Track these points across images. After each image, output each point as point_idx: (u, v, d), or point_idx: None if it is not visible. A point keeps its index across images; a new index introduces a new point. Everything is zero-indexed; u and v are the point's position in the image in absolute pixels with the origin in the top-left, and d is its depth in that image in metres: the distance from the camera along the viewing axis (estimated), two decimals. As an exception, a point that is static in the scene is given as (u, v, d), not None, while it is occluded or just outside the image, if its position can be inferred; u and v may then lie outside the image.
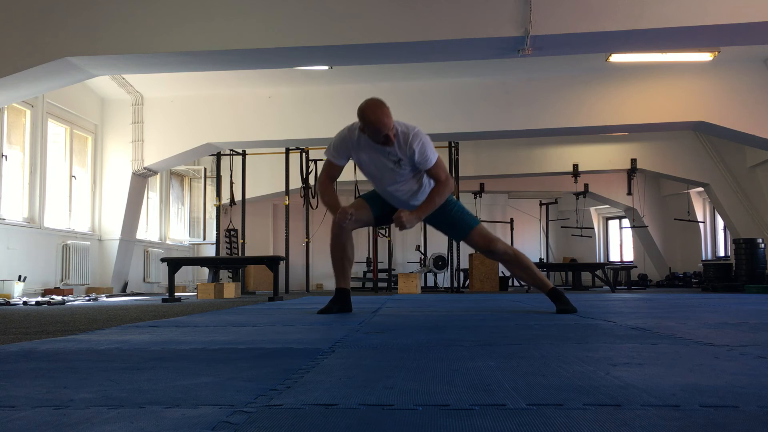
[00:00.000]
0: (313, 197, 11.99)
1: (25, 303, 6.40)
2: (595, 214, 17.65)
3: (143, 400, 1.21)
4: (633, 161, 13.00)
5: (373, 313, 4.00)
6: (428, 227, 14.64)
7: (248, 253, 13.34)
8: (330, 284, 15.85)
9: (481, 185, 15.01)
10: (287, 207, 11.84)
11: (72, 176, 9.55)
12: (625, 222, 16.77)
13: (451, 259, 11.88)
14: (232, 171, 12.36)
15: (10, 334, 2.76)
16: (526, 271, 4.00)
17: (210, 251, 13.32)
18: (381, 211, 4.00)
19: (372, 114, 3.53)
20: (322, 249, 15.64)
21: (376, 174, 3.79)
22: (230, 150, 11.92)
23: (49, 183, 8.85)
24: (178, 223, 13.34)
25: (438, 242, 14.57)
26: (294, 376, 1.47)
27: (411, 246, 15.65)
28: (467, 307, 4.68)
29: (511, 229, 15.14)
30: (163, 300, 6.85)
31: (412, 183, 3.80)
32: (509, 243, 15.26)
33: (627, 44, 6.55)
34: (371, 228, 12.39)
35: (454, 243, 11.80)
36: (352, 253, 4.08)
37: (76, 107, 9.54)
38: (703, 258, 13.95)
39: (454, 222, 3.98)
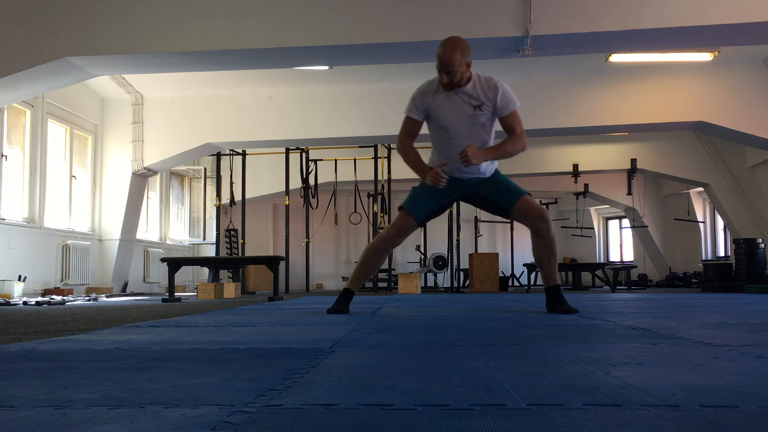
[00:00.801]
0: (313, 197, 12.01)
1: (25, 303, 6.40)
2: (595, 214, 17.65)
3: (143, 400, 1.21)
4: (633, 161, 13.00)
5: (373, 313, 4.00)
6: (428, 227, 14.65)
7: (248, 253, 13.34)
8: (330, 284, 15.86)
9: (481, 185, 14.98)
10: (287, 207, 11.84)
11: (72, 176, 9.55)
12: (625, 222, 16.77)
13: (451, 259, 11.88)
14: (232, 171, 12.36)
15: (10, 334, 2.76)
16: (550, 256, 3.90)
17: (210, 251, 13.32)
18: (424, 215, 3.98)
19: (441, 45, 3.58)
20: (322, 249, 15.75)
21: (451, 124, 3.72)
22: (230, 150, 11.92)
23: (49, 183, 8.85)
24: (178, 223, 13.34)
25: (438, 242, 14.58)
26: (294, 376, 1.47)
27: (411, 246, 15.65)
28: (467, 307, 4.68)
29: (511, 229, 15.12)
30: (163, 300, 6.85)
31: (485, 139, 3.76)
32: (510, 243, 15.29)
33: (627, 44, 6.55)
34: (371, 228, 12.40)
35: (454, 243, 11.80)
36: (381, 264, 4.19)
37: (76, 107, 9.54)
38: (703, 258, 13.95)
39: (505, 188, 3.88)
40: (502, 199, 3.88)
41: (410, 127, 3.84)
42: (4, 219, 7.80)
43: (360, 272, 4.07)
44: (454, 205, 11.87)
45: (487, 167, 3.83)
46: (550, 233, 3.89)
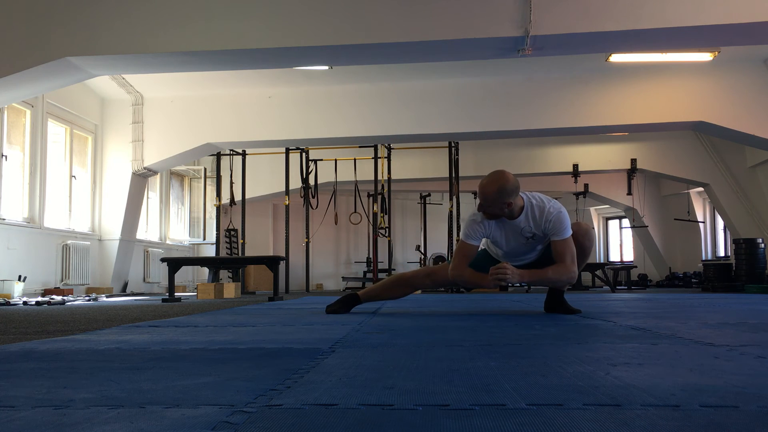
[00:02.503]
0: (313, 197, 12.01)
1: (25, 303, 6.40)
2: (595, 214, 17.65)
3: (143, 400, 1.21)
4: (633, 161, 13.00)
5: (373, 313, 4.00)
6: (428, 227, 14.68)
7: (248, 253, 13.34)
8: (330, 284, 15.86)
9: (482, 185, 14.99)
10: (287, 207, 11.84)
11: (72, 176, 9.55)
12: (625, 222, 16.77)
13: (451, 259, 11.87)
14: (232, 171, 12.36)
15: (10, 334, 2.76)
16: (559, 274, 3.61)
17: (210, 251, 13.32)
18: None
19: (486, 177, 3.60)
20: (322, 249, 15.76)
21: (508, 248, 3.73)
22: (230, 150, 11.93)
23: (49, 183, 8.85)
24: (178, 223, 13.34)
25: (438, 242, 14.58)
26: (294, 376, 1.47)
27: (411, 246, 15.66)
28: (467, 307, 4.68)
29: (511, 229, 15.14)
30: (163, 300, 6.85)
31: (539, 251, 3.77)
32: (509, 243, 15.31)
33: (627, 44, 6.55)
34: (371, 228, 12.40)
35: (454, 243, 11.80)
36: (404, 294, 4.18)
37: (76, 107, 9.55)
38: (703, 258, 13.95)
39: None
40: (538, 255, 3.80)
41: (467, 252, 3.75)
42: (4, 219, 7.80)
43: (381, 291, 4.10)
44: (454, 205, 11.89)
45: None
46: (571, 275, 3.63)
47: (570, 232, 3.59)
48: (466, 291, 9.38)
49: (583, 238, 3.78)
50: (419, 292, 9.50)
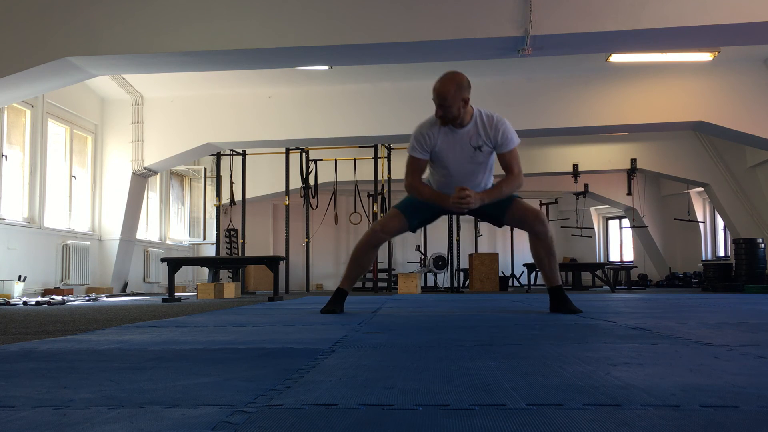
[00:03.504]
0: (313, 197, 12.01)
1: (25, 303, 6.40)
2: (595, 214, 17.65)
3: (143, 400, 1.21)
4: (633, 161, 13.00)
5: (373, 313, 4.00)
6: (428, 227, 14.66)
7: (248, 253, 13.34)
8: (330, 284, 15.84)
9: (481, 185, 14.99)
10: (287, 207, 11.84)
11: (72, 176, 9.55)
12: (625, 222, 16.78)
13: (451, 259, 11.88)
14: (232, 171, 12.36)
15: (10, 334, 2.76)
16: (550, 256, 3.89)
17: (210, 251, 13.32)
18: (418, 221, 4.00)
19: (439, 79, 3.58)
20: (322, 249, 15.76)
21: (452, 163, 3.74)
22: (230, 150, 11.93)
23: (49, 183, 8.85)
24: (178, 223, 13.34)
25: (438, 242, 14.58)
26: (294, 376, 1.47)
27: (411, 246, 15.65)
28: (467, 307, 4.68)
29: (511, 229, 15.12)
30: (163, 300, 6.85)
31: (483, 174, 3.79)
32: (510, 243, 15.28)
33: (627, 44, 6.55)
34: (371, 228, 12.38)
35: (454, 243, 11.80)
36: (371, 263, 4.12)
37: (76, 107, 9.55)
38: (703, 258, 13.95)
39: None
40: (493, 208, 3.87)
41: (416, 166, 3.81)
42: (4, 219, 7.80)
43: (350, 271, 4.06)
44: (454, 205, 11.86)
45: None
46: (549, 233, 3.88)
47: (517, 141, 3.72)
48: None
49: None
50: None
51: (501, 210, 3.86)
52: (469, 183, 3.73)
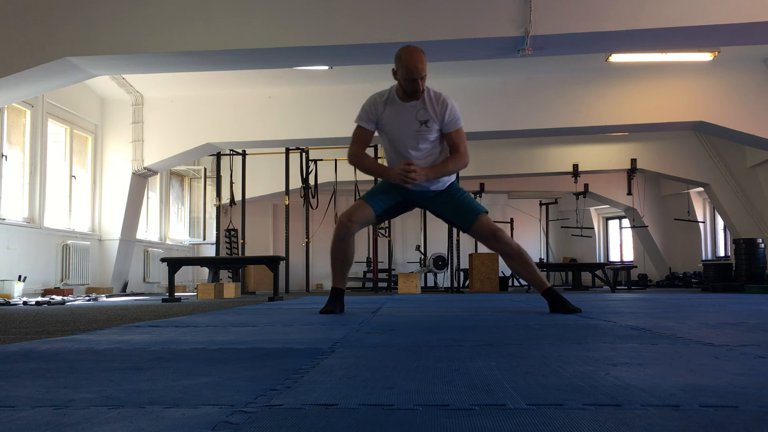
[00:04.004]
0: (313, 197, 12.01)
1: (25, 303, 6.40)
2: (595, 214, 17.66)
3: (143, 400, 1.21)
4: (633, 161, 13.01)
5: (373, 313, 4.00)
6: (428, 227, 14.68)
7: (248, 253, 13.34)
8: (329, 284, 15.84)
9: (481, 185, 15.02)
10: (287, 207, 11.83)
11: (72, 176, 9.55)
12: (625, 222, 16.78)
13: (451, 259, 11.88)
14: (232, 171, 12.36)
15: (10, 334, 2.76)
16: (526, 267, 3.94)
17: (210, 251, 13.32)
18: (383, 208, 3.98)
19: (407, 53, 3.60)
20: (322, 249, 15.68)
21: (398, 137, 3.76)
22: (230, 150, 11.92)
23: (49, 183, 8.85)
24: (178, 223, 13.34)
25: (438, 242, 14.58)
26: (294, 376, 1.47)
27: (411, 246, 15.66)
28: (467, 307, 4.68)
29: (511, 229, 15.12)
30: (163, 300, 6.85)
31: (432, 153, 3.80)
32: (509, 243, 15.29)
33: (627, 44, 6.55)
34: (371, 228, 12.40)
35: (454, 243, 11.80)
36: (352, 255, 4.05)
37: (76, 107, 9.55)
38: (703, 258, 13.95)
39: (461, 207, 3.92)
40: (459, 218, 3.93)
41: (361, 137, 3.83)
42: (4, 219, 7.80)
43: (335, 269, 4.04)
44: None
45: (438, 181, 3.85)
46: (512, 247, 3.91)
47: (462, 122, 3.76)
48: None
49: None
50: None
51: (466, 222, 3.90)
52: (416, 159, 3.76)
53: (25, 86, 6.60)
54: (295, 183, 12.02)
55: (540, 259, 16.45)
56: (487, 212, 3.94)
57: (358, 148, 3.84)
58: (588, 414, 1.06)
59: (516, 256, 3.90)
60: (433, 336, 2.42)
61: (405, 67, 3.58)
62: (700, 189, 13.49)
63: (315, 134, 10.05)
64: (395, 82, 3.73)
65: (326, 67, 8.67)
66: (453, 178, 4.00)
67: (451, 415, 1.06)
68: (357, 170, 12.19)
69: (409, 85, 3.61)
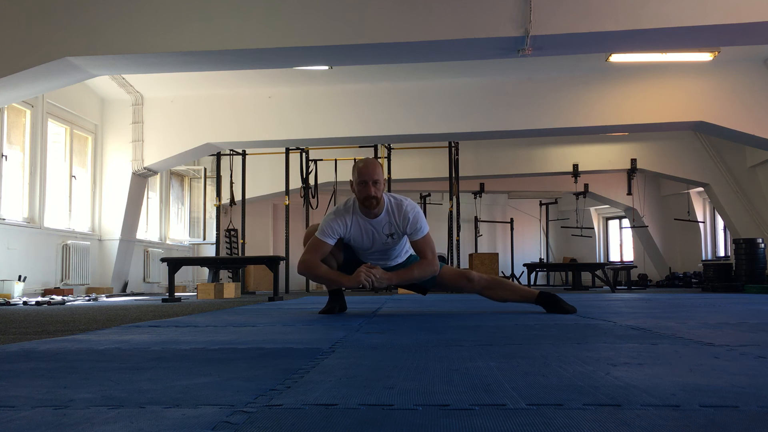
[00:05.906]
0: (313, 197, 12.01)
1: (25, 303, 6.40)
2: (595, 214, 17.66)
3: (143, 400, 1.21)
4: (633, 161, 13.01)
5: (373, 313, 4.00)
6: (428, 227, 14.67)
7: (248, 253, 13.34)
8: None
9: (481, 185, 15.02)
10: (287, 207, 11.83)
11: (72, 176, 9.55)
12: (625, 222, 16.78)
13: (451, 259, 11.87)
14: (232, 171, 12.36)
15: (10, 334, 2.76)
16: (509, 289, 4.00)
17: (210, 251, 13.32)
18: (347, 258, 3.90)
19: (362, 161, 3.65)
20: (322, 249, 15.72)
21: (366, 248, 3.78)
22: (230, 150, 11.92)
23: (49, 183, 8.85)
24: (178, 223, 13.34)
25: (438, 242, 14.58)
26: (294, 376, 1.47)
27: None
28: (467, 307, 4.68)
29: (511, 229, 15.14)
30: (163, 300, 6.85)
31: (397, 251, 3.86)
32: (510, 243, 15.29)
33: (627, 44, 6.55)
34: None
35: (455, 243, 11.81)
36: (328, 265, 3.84)
37: (76, 107, 9.55)
38: (703, 258, 13.95)
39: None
40: (423, 281, 3.89)
41: (320, 248, 3.69)
42: (4, 219, 7.80)
43: (320, 281, 3.93)
44: (454, 205, 11.89)
45: (397, 260, 3.89)
46: (486, 279, 3.94)
47: (427, 228, 3.73)
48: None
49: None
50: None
51: (430, 281, 3.88)
52: (383, 259, 3.81)
53: (25, 86, 6.59)
54: (295, 183, 12.02)
55: (540, 259, 16.45)
56: (444, 265, 3.92)
57: (312, 258, 3.67)
58: (588, 414, 1.06)
59: (495, 285, 3.96)
60: (433, 336, 2.42)
61: (357, 170, 3.59)
62: (700, 189, 13.49)
63: (315, 134, 10.06)
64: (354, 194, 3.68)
65: (326, 67, 8.67)
66: (410, 251, 3.95)
67: (451, 415, 1.06)
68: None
69: (362, 189, 3.56)
